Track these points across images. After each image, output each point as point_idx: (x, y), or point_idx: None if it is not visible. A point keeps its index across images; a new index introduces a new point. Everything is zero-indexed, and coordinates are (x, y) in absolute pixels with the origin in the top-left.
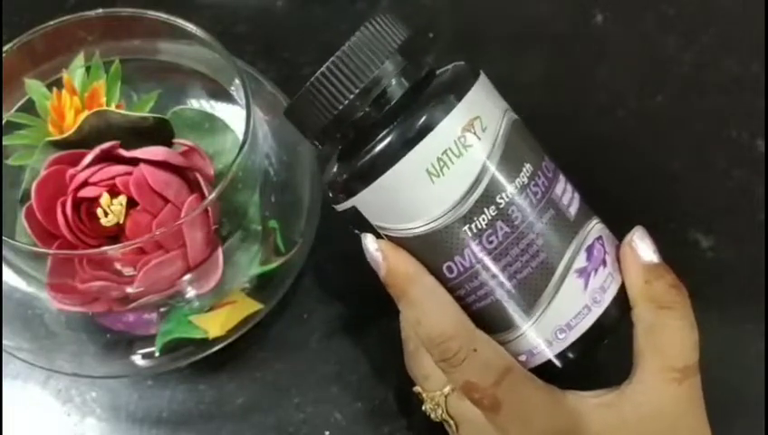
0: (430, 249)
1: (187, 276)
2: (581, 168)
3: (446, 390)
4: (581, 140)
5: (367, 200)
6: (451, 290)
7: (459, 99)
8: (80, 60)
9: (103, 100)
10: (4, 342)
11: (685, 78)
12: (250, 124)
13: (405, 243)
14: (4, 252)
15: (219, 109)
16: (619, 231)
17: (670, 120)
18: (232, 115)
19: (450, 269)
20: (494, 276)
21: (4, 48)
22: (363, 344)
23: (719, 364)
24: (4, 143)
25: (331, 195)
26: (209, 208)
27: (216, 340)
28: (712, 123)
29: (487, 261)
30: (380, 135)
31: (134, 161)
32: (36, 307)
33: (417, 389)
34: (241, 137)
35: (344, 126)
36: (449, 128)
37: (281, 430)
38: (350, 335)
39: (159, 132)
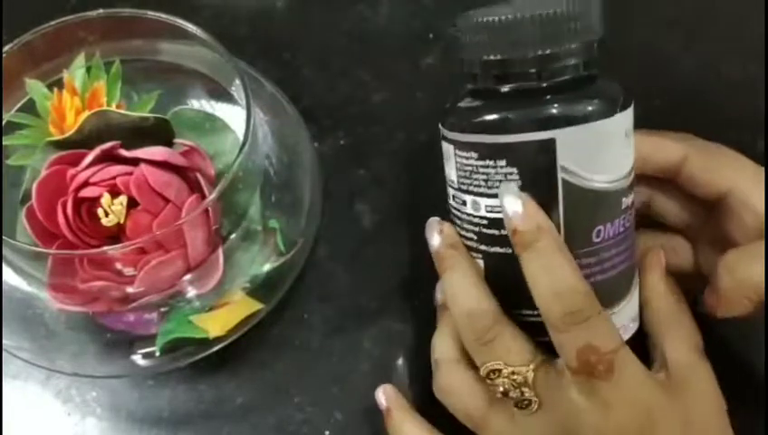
0: (594, 208)
1: (188, 276)
2: None
3: (533, 365)
4: None
5: (573, 138)
6: (586, 255)
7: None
8: (80, 60)
9: (104, 100)
10: (4, 342)
11: (685, 79)
12: (250, 124)
13: (578, 194)
14: (4, 252)
15: (219, 109)
16: None
17: (670, 121)
18: (232, 115)
19: (598, 233)
20: (618, 254)
21: (5, 48)
22: (363, 344)
23: (719, 364)
24: (4, 143)
25: (513, 123)
26: (209, 208)
27: (217, 340)
28: (712, 123)
29: (621, 238)
30: (592, 90)
31: (135, 161)
32: (36, 307)
33: (492, 365)
34: (241, 137)
35: (537, 68)
36: (631, 113)
37: (281, 430)
38: (350, 335)
39: (160, 132)
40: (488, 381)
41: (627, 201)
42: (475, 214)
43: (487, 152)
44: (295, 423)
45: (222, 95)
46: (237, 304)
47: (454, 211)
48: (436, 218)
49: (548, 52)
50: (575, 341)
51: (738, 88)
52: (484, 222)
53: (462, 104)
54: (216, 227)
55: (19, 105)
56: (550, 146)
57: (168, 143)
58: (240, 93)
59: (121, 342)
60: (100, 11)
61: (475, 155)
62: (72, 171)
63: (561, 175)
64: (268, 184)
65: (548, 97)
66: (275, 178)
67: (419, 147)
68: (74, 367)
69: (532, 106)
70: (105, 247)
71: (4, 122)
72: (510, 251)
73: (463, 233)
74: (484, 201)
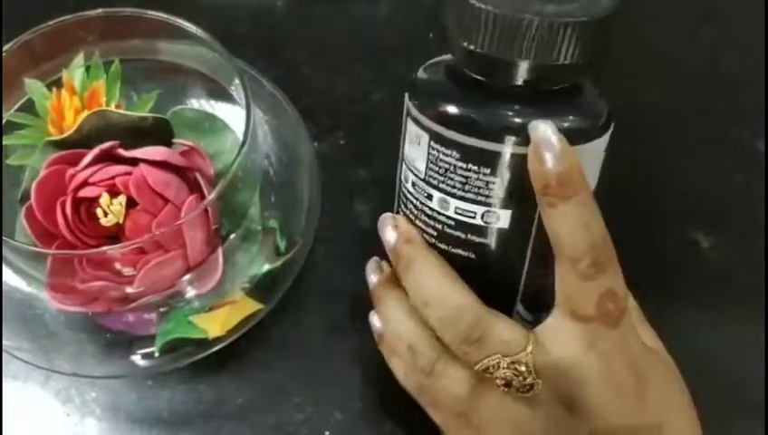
0: None
1: (187, 276)
2: None
3: (530, 348)
4: None
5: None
6: None
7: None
8: (80, 60)
9: (103, 99)
10: (4, 342)
11: (685, 78)
12: (250, 124)
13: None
14: (4, 252)
15: (219, 109)
16: (620, 231)
17: (670, 119)
18: (232, 115)
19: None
20: None
21: (4, 48)
22: (363, 344)
23: (719, 364)
24: (4, 143)
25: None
26: (209, 208)
27: (216, 340)
28: (712, 123)
29: None
30: (585, 107)
31: (134, 161)
32: (36, 307)
33: (490, 360)
34: (241, 137)
35: (544, 75)
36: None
37: (281, 430)
38: (350, 335)
39: (159, 132)
40: (486, 374)
41: None
42: (441, 212)
43: (471, 156)
44: (295, 423)
45: (221, 95)
46: (237, 305)
47: (411, 199)
48: (389, 214)
49: (550, 62)
50: (599, 288)
51: (738, 87)
52: (451, 223)
53: (440, 87)
54: (216, 226)
55: (18, 105)
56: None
57: (168, 143)
58: (240, 93)
59: (121, 342)
60: (100, 10)
61: (456, 155)
62: (71, 171)
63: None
64: (268, 184)
65: (540, 108)
66: (275, 177)
67: None
68: (74, 367)
69: (525, 116)
70: (104, 247)
71: (3, 122)
72: (473, 256)
73: (418, 224)
74: (455, 202)
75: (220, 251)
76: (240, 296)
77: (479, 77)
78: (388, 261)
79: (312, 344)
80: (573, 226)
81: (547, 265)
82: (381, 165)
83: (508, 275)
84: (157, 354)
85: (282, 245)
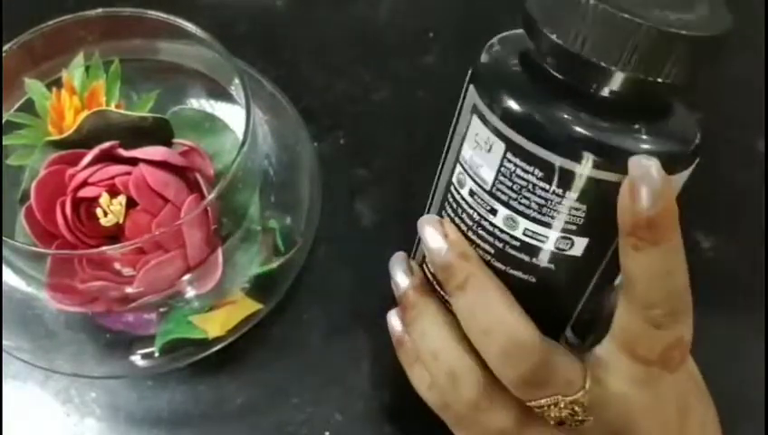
0: None
1: (187, 276)
2: None
3: (588, 385)
4: None
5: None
6: None
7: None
8: (79, 59)
9: (103, 99)
10: (4, 342)
11: None
12: (250, 124)
13: None
14: (4, 252)
15: (219, 109)
16: None
17: None
18: (232, 115)
19: None
20: None
21: (4, 48)
22: (363, 344)
23: (719, 364)
24: (3, 143)
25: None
26: (209, 208)
27: (216, 340)
28: (712, 123)
29: None
30: (684, 132)
31: (133, 161)
32: (36, 307)
33: (548, 401)
34: (241, 137)
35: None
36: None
37: (281, 430)
38: (350, 335)
39: (159, 132)
40: (537, 410)
41: None
42: (506, 230)
43: (556, 177)
44: (295, 424)
45: (221, 95)
46: (237, 305)
47: (466, 209)
48: (434, 217)
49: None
50: (668, 337)
51: (738, 88)
52: (516, 243)
53: (514, 81)
54: (216, 227)
55: (18, 105)
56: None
57: (168, 143)
58: (239, 93)
59: (120, 342)
60: (100, 10)
61: (539, 174)
62: (70, 171)
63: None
64: (268, 184)
65: (642, 135)
66: (275, 177)
67: (419, 146)
68: (73, 367)
69: (623, 137)
70: (104, 247)
71: (3, 122)
72: (533, 280)
73: (471, 237)
74: (526, 223)
75: (220, 251)
76: (240, 296)
77: (562, 77)
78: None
79: (311, 344)
80: (655, 273)
81: (607, 292)
82: (381, 165)
83: (566, 302)
84: (157, 354)
85: (282, 245)
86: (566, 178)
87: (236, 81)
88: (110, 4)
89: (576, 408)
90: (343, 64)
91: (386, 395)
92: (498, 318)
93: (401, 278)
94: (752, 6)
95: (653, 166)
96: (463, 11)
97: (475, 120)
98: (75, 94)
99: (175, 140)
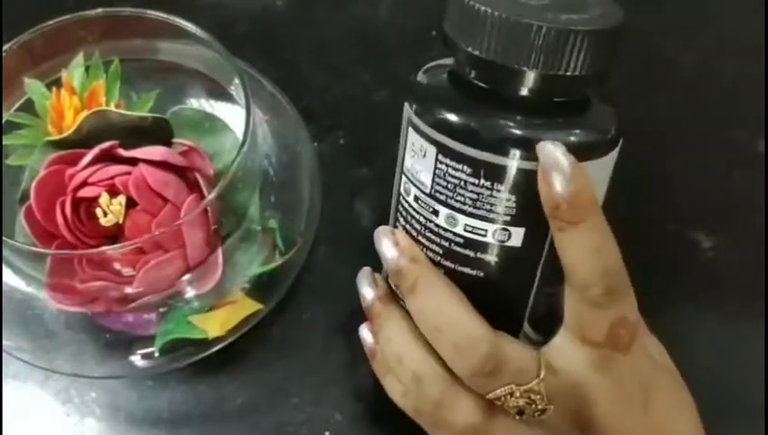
0: None
1: (187, 276)
2: None
3: (542, 373)
4: None
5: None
6: None
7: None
8: (79, 59)
9: (103, 99)
10: (4, 342)
11: (685, 79)
12: (250, 124)
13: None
14: (4, 252)
15: (219, 109)
16: (620, 231)
17: (670, 120)
18: (232, 115)
19: None
20: None
21: (4, 48)
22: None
23: (719, 364)
24: (3, 143)
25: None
26: (209, 208)
27: (216, 340)
28: (712, 123)
29: None
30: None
31: (133, 161)
32: (36, 307)
33: (503, 391)
34: (241, 137)
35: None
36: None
37: (280, 430)
38: (350, 335)
39: (159, 132)
40: (497, 402)
41: None
42: (449, 229)
43: (483, 171)
44: (295, 424)
45: (221, 95)
46: (237, 305)
47: (414, 214)
48: (387, 227)
49: (562, 72)
50: (611, 316)
51: (738, 88)
52: (459, 240)
53: (442, 93)
54: (216, 227)
55: (18, 105)
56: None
57: (167, 143)
58: (239, 93)
59: (120, 342)
60: (99, 10)
61: (467, 170)
62: (70, 171)
63: None
64: (267, 184)
65: (546, 120)
66: (275, 177)
67: None
68: (73, 367)
69: (530, 128)
70: (104, 247)
71: (3, 122)
72: (481, 274)
73: (421, 241)
74: (465, 219)
75: (220, 251)
76: (240, 296)
77: (483, 84)
78: (378, 270)
79: (311, 345)
80: (584, 251)
81: (556, 282)
82: (381, 165)
83: (517, 294)
84: (156, 354)
85: (282, 245)
86: (492, 172)
87: (236, 81)
88: (110, 4)
89: (533, 396)
90: (343, 64)
91: (386, 395)
92: (447, 314)
93: (367, 291)
94: (752, 6)
95: (559, 151)
96: None
97: (411, 131)
98: (75, 94)
99: (175, 140)
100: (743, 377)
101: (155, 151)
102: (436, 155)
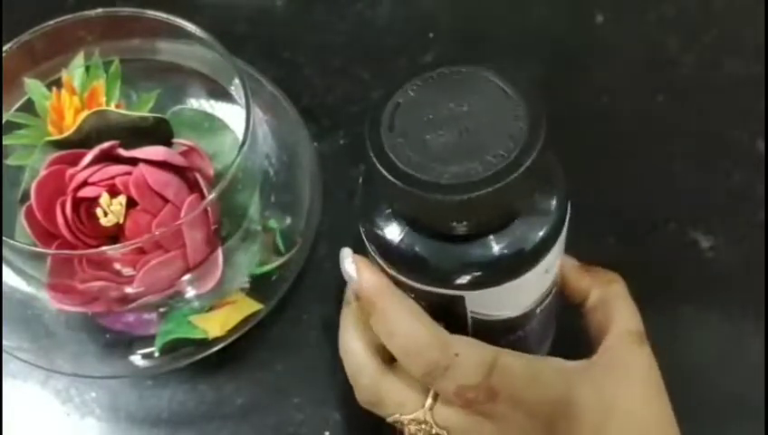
0: (504, 328)
1: (187, 276)
2: (581, 169)
3: (428, 403)
4: (581, 140)
5: (482, 295)
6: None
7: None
8: (79, 59)
9: (103, 99)
10: (4, 342)
11: (685, 78)
12: (250, 124)
13: (486, 323)
14: (4, 252)
15: (219, 109)
16: (620, 231)
17: (670, 120)
18: (231, 115)
19: (507, 339)
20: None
21: (4, 48)
22: None
23: (719, 364)
24: (3, 143)
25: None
26: (209, 208)
27: (216, 340)
28: (712, 123)
29: (535, 335)
30: (512, 243)
31: (134, 161)
32: (36, 307)
33: (393, 418)
34: (240, 137)
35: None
36: (559, 244)
37: (280, 430)
38: None
39: (159, 132)
40: (398, 426)
41: (540, 307)
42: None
43: (399, 283)
44: (295, 424)
45: (221, 95)
46: (237, 305)
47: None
48: (349, 250)
49: (469, 221)
50: (447, 388)
51: (738, 88)
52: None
53: (378, 218)
54: (216, 227)
55: (18, 105)
56: (459, 300)
57: (167, 143)
58: (239, 93)
59: (121, 342)
60: (100, 10)
61: (391, 273)
62: (70, 171)
63: (470, 314)
64: (268, 184)
65: (460, 256)
66: (275, 177)
67: None
68: (74, 367)
69: (443, 264)
70: (104, 247)
71: (3, 122)
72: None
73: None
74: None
75: (220, 251)
76: (240, 296)
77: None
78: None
79: (312, 344)
80: (383, 336)
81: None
82: None
83: None
84: (157, 354)
85: (282, 245)
86: (403, 286)
87: (236, 81)
88: (110, 4)
89: (417, 425)
90: (343, 64)
91: None
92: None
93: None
94: (752, 6)
95: (342, 253)
96: (463, 11)
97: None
98: (75, 94)
99: (175, 140)
100: (743, 377)
101: (155, 151)
102: (375, 257)
